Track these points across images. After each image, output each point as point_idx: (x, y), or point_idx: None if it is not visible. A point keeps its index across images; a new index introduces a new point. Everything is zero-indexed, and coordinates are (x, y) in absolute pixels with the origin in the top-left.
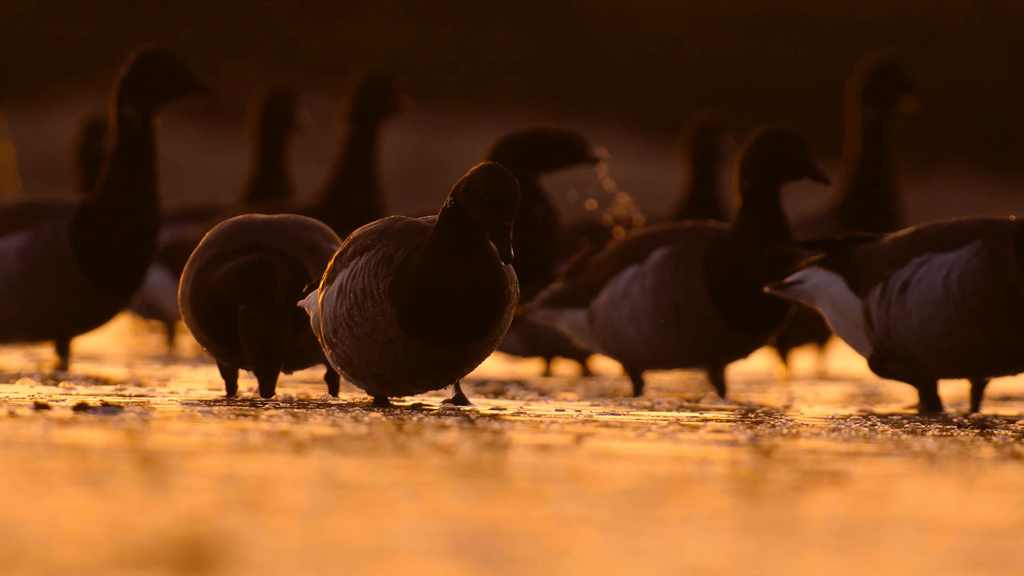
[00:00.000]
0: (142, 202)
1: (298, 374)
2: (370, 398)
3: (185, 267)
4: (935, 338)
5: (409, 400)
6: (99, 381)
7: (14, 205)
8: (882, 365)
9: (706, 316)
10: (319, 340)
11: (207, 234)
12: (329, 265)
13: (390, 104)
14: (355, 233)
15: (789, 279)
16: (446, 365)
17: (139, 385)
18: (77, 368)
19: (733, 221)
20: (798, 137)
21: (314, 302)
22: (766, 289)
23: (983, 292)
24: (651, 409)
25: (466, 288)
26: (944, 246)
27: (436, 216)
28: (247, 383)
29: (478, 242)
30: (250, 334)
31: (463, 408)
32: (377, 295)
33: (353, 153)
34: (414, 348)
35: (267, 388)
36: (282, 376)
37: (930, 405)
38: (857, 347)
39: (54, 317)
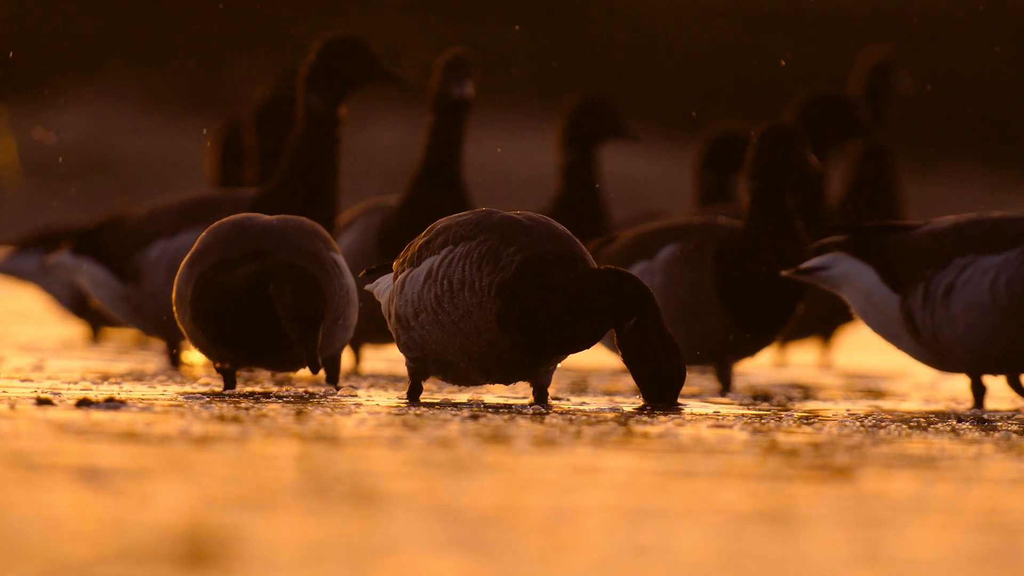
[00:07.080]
0: (318, 193)
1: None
2: (370, 393)
3: (181, 269)
4: (980, 343)
5: (425, 396)
6: (96, 376)
7: (189, 201)
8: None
9: (715, 316)
10: (389, 321)
11: (202, 236)
12: (409, 252)
13: (610, 128)
14: (442, 223)
15: (811, 264)
16: (525, 366)
17: (138, 380)
18: (73, 363)
19: (743, 220)
20: (800, 133)
21: (387, 286)
22: (785, 273)
23: None
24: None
25: (583, 336)
26: (989, 247)
27: (533, 214)
28: (245, 378)
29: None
30: (284, 303)
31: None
32: (479, 287)
33: (573, 179)
34: (500, 344)
35: (313, 361)
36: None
37: (978, 398)
38: (891, 339)
39: None
